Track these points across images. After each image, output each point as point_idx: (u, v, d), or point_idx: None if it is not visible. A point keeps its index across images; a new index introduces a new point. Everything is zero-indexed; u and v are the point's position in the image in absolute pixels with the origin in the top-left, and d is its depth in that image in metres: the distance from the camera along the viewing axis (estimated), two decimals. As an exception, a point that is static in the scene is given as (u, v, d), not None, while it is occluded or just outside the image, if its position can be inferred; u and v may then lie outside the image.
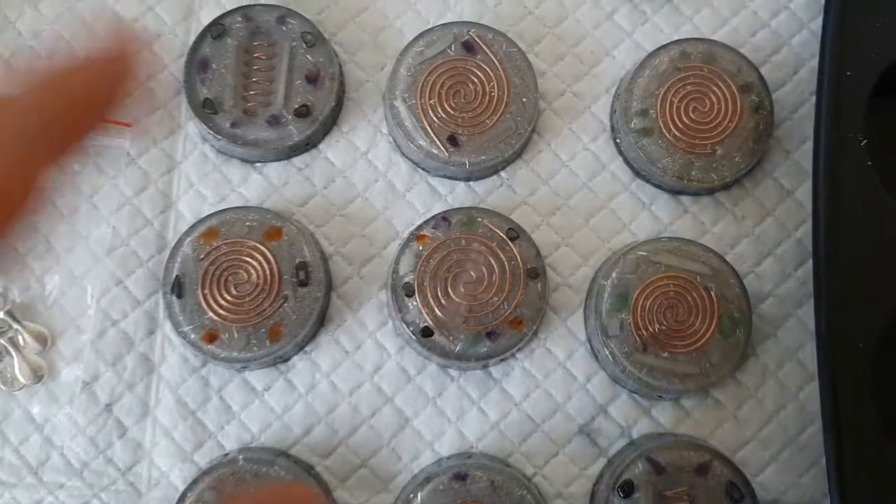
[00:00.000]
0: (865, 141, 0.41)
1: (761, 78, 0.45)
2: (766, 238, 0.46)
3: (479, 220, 0.43)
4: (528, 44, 0.47)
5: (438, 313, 0.42)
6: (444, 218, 0.44)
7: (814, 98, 0.46)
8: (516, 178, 0.46)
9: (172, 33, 0.47)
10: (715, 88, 0.45)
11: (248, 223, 0.43)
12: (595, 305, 0.43)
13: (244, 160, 0.46)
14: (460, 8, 0.47)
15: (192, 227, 0.43)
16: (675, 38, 0.47)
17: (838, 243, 0.41)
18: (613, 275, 0.43)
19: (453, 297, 0.42)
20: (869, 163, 0.41)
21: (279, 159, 0.46)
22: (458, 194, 0.46)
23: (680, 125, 0.45)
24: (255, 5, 0.46)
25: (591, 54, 0.47)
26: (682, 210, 0.46)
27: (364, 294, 0.45)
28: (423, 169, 0.46)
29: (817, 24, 0.47)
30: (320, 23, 0.47)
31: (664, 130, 0.45)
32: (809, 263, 0.44)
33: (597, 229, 0.46)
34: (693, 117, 0.45)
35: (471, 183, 0.46)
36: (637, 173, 0.46)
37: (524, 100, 0.45)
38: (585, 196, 0.46)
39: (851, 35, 0.42)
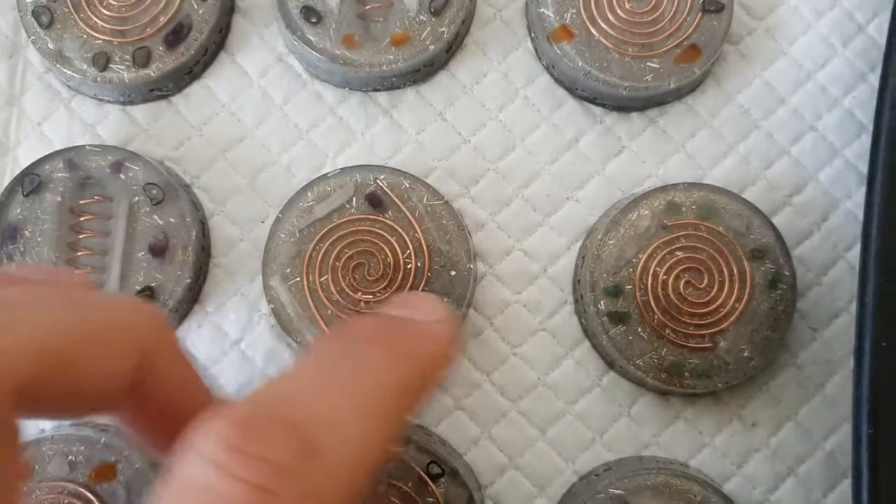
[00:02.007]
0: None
1: (779, 238, 0.33)
2: (785, 452, 0.34)
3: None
4: (462, 185, 0.35)
5: None
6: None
7: (850, 253, 0.34)
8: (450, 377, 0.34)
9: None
10: (716, 255, 0.33)
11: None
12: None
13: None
14: (370, 136, 0.35)
15: None
16: (661, 171, 0.35)
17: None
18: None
19: None
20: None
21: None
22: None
23: (667, 308, 0.32)
24: (83, 147, 0.33)
25: (546, 198, 0.35)
26: (673, 415, 0.34)
27: None
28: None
29: (855, 148, 0.35)
30: (178, 161, 0.35)
31: (644, 315, 0.32)
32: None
33: (554, 443, 0.34)
34: (686, 296, 0.32)
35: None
36: (610, 365, 0.34)
37: (453, 273, 0.33)
38: (548, 400, 0.34)
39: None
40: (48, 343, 0.17)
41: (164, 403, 0.20)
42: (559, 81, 0.35)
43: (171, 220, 0.33)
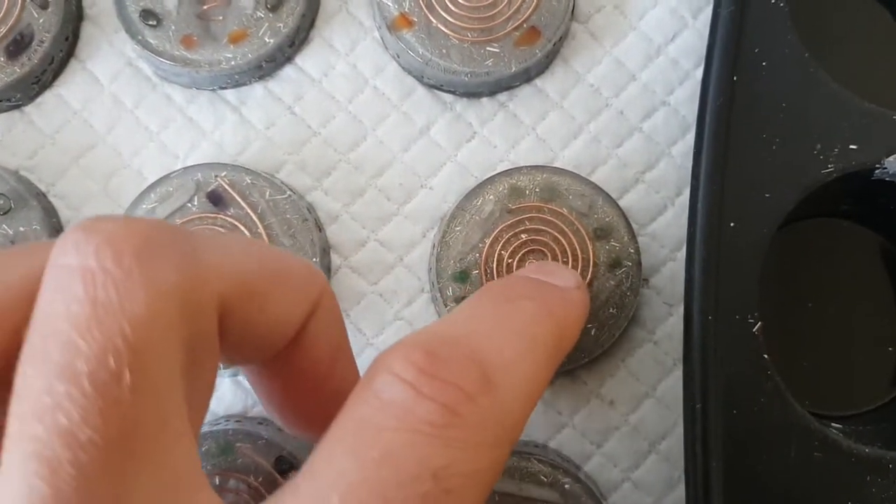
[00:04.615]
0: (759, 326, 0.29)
1: (623, 216, 0.33)
2: (645, 429, 0.34)
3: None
4: (314, 178, 0.35)
5: None
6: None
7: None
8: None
9: None
10: (559, 236, 0.33)
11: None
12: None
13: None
14: (219, 135, 0.35)
15: None
16: (512, 155, 0.35)
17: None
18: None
19: None
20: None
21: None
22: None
23: (512, 290, 0.32)
24: (-72, 159, 0.34)
25: (399, 187, 0.35)
26: (531, 396, 0.34)
27: None
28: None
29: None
30: (33, 170, 0.35)
31: (491, 299, 0.32)
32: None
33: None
34: (530, 278, 0.32)
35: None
36: (465, 351, 0.34)
37: (298, 267, 0.33)
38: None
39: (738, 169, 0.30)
40: (244, 272, 0.19)
41: (314, 365, 0.21)
42: (406, 70, 0.35)
43: (21, 229, 0.33)
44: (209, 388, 0.19)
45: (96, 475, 0.15)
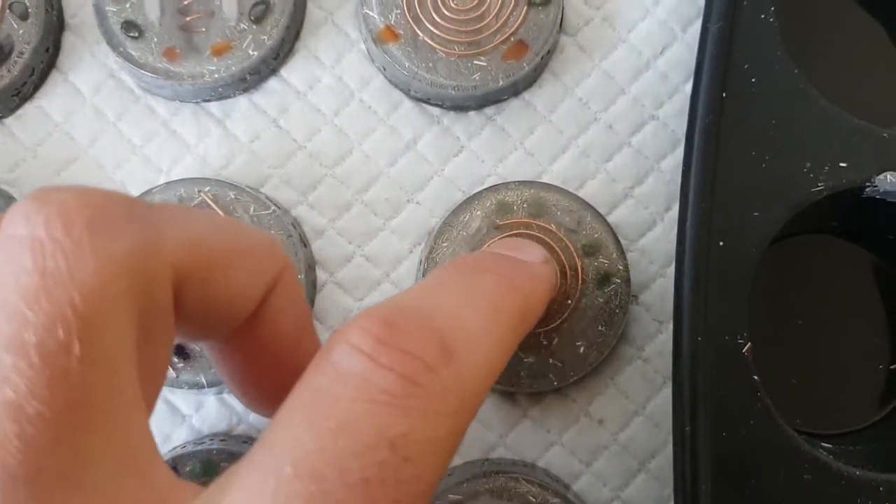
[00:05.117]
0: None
1: (611, 232, 0.32)
2: (634, 447, 0.33)
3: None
4: (299, 192, 0.34)
5: None
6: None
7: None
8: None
9: None
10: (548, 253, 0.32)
11: None
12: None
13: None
14: (203, 148, 0.34)
15: None
16: (500, 170, 0.34)
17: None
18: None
19: None
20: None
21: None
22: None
23: (500, 308, 0.32)
24: None
25: (386, 202, 0.35)
26: (520, 414, 0.34)
27: None
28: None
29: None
30: (13, 184, 0.34)
31: (478, 317, 0.32)
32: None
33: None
34: (518, 295, 0.32)
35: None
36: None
37: (283, 284, 0.32)
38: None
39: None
40: (202, 243, 0.18)
41: (275, 340, 0.21)
42: (393, 83, 0.35)
43: (-1, 244, 0.33)
44: (164, 362, 0.18)
45: (44, 448, 0.14)
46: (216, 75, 0.33)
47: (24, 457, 0.14)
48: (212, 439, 0.33)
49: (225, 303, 0.19)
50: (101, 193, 0.17)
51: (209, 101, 0.34)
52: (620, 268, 0.32)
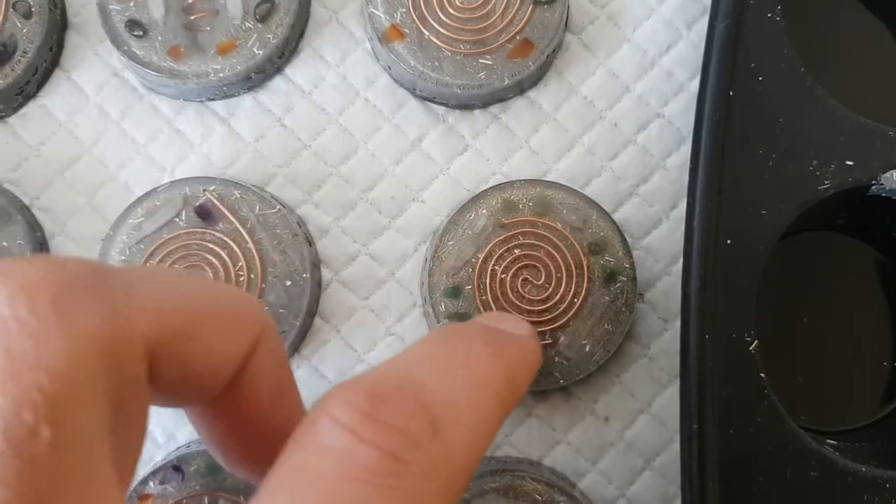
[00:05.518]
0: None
1: (617, 231, 0.32)
2: (640, 445, 0.33)
3: None
4: (304, 191, 0.34)
5: None
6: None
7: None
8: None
9: None
10: (553, 251, 0.32)
11: None
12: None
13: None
14: (207, 147, 0.34)
15: None
16: (505, 168, 0.34)
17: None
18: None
19: None
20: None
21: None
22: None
23: (506, 307, 0.32)
24: None
25: (391, 200, 0.34)
26: (525, 412, 0.34)
27: None
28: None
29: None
30: (17, 183, 0.34)
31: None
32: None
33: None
34: (524, 294, 0.32)
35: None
36: (458, 367, 0.34)
37: (288, 283, 0.32)
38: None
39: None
40: (174, 310, 0.17)
41: (256, 405, 0.20)
42: (398, 82, 0.35)
43: (4, 244, 0.32)
44: (139, 438, 0.17)
45: None
46: (221, 74, 0.33)
47: None
48: (218, 439, 0.33)
49: (202, 371, 0.18)
50: (64, 264, 0.16)
51: (214, 99, 0.34)
52: (626, 266, 0.32)
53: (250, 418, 0.20)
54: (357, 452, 0.16)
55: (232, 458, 0.21)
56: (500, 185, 0.33)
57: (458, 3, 0.33)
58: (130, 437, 0.17)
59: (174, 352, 0.17)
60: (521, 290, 0.32)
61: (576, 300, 0.32)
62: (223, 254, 0.32)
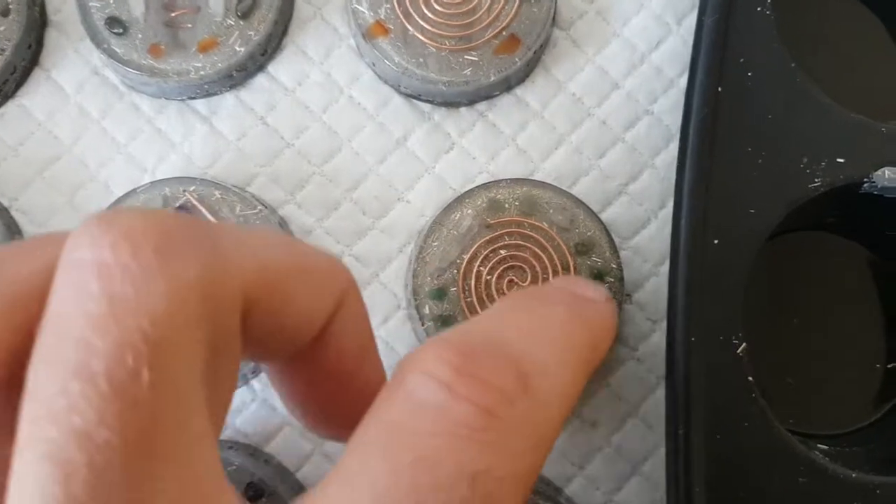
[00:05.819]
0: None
1: (605, 231, 0.32)
2: (628, 450, 0.33)
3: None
4: (287, 191, 0.34)
5: None
6: None
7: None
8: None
9: None
10: (539, 252, 0.32)
11: None
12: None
13: None
14: (188, 146, 0.34)
15: None
16: (492, 167, 0.34)
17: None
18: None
19: None
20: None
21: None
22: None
23: (491, 308, 0.31)
24: None
25: (375, 200, 0.34)
26: (511, 415, 0.33)
27: None
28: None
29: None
30: (-5, 182, 0.34)
31: (470, 318, 0.31)
32: None
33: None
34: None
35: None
36: (443, 369, 0.33)
37: (270, 284, 0.32)
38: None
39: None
40: (268, 265, 0.18)
41: (338, 363, 0.20)
42: (382, 79, 0.34)
43: (-19, 245, 0.32)
44: (231, 388, 0.18)
45: (113, 478, 0.14)
46: (202, 72, 0.32)
47: (93, 487, 0.14)
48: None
49: (291, 326, 0.19)
50: (167, 216, 0.16)
51: (195, 98, 0.34)
52: (614, 266, 0.32)
53: (332, 376, 0.20)
54: (452, 408, 0.16)
55: (312, 417, 0.21)
56: (485, 184, 0.32)
57: (442, -1, 0.33)
58: (223, 387, 0.17)
59: (266, 305, 0.18)
60: (506, 291, 0.31)
61: (562, 301, 0.31)
62: (203, 255, 0.31)
